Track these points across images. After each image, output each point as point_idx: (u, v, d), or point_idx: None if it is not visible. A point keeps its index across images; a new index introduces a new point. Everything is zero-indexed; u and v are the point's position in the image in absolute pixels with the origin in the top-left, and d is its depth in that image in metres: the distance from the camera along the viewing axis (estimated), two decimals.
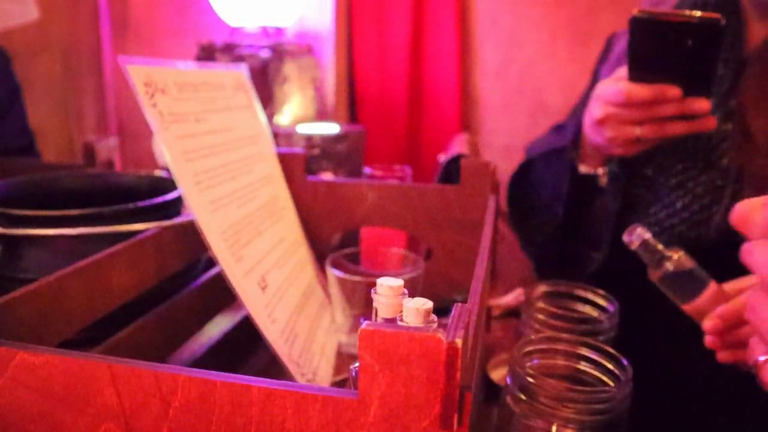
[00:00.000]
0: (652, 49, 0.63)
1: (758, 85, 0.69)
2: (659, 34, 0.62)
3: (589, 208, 0.81)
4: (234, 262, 0.47)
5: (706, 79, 0.64)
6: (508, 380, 0.43)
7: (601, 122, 0.69)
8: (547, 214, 0.84)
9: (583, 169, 0.78)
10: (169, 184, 0.63)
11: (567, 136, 0.80)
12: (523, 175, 0.87)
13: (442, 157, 1.12)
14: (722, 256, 0.56)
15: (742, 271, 0.40)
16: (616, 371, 0.43)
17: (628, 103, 0.65)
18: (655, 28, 0.62)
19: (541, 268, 0.91)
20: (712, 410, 0.71)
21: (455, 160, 1.05)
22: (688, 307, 0.52)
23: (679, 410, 0.74)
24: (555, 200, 0.81)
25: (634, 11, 0.62)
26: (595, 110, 0.69)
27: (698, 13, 0.60)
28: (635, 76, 0.65)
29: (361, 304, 0.58)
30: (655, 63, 0.64)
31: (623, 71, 0.67)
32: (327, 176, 1.08)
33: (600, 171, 0.78)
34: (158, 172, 0.70)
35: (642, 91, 0.64)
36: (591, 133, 0.73)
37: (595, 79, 0.92)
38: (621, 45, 0.88)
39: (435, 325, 0.27)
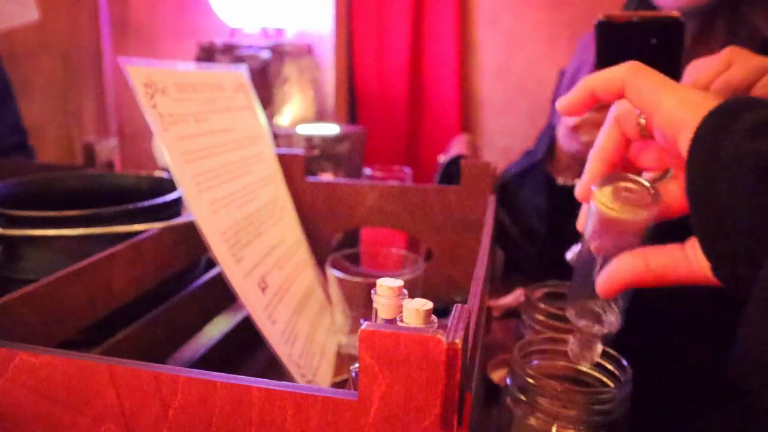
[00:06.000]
0: (619, 51, 0.66)
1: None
2: (624, 36, 0.65)
3: (572, 219, 0.83)
4: (234, 262, 0.47)
5: (672, 75, 0.67)
6: (508, 381, 0.43)
7: (576, 128, 0.71)
8: (529, 233, 0.85)
9: (561, 181, 0.80)
10: (169, 185, 0.63)
11: (537, 156, 0.82)
12: (500, 201, 0.88)
13: (442, 158, 1.12)
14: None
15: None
16: (616, 372, 0.43)
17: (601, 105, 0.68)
18: (619, 31, 0.65)
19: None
20: (713, 411, 0.71)
21: (455, 161, 1.05)
22: None
23: (679, 411, 0.74)
24: (535, 218, 0.83)
25: (600, 16, 0.66)
26: (568, 118, 0.72)
27: (659, 13, 0.64)
28: None
29: (361, 304, 0.58)
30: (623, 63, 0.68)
31: None
32: (327, 177, 1.08)
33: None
34: (158, 173, 0.70)
35: None
36: (567, 142, 0.75)
37: (554, 110, 0.96)
38: (568, 73, 0.95)
39: (435, 326, 0.27)
